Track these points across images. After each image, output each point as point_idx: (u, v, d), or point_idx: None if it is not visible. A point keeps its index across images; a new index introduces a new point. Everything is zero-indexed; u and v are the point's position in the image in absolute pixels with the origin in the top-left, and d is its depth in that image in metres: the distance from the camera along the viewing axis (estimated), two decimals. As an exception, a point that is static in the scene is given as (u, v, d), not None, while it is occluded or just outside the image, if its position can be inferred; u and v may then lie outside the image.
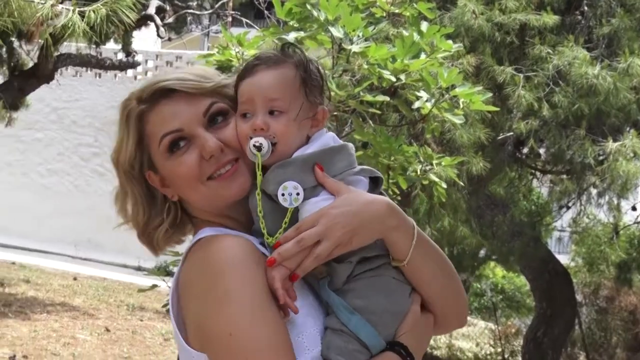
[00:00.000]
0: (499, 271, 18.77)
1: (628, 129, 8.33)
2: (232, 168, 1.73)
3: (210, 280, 1.60)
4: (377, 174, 1.78)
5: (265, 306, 1.59)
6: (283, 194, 1.66)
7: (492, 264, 15.99)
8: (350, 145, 1.79)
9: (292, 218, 1.68)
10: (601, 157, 7.94)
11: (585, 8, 8.60)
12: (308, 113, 1.74)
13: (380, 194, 1.78)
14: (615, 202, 9.73)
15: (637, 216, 10.23)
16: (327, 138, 1.77)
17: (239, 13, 14.70)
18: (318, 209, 1.65)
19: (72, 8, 6.97)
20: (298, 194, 1.66)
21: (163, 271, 5.03)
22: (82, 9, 6.95)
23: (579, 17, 8.64)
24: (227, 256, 1.61)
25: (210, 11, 13.72)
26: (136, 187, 1.78)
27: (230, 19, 15.52)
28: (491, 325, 14.61)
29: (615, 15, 8.27)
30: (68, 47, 10.30)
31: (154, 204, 1.80)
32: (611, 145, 7.88)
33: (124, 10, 6.90)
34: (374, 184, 1.78)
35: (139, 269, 13.76)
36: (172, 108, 1.74)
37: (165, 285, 5.00)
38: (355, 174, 1.73)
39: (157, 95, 1.75)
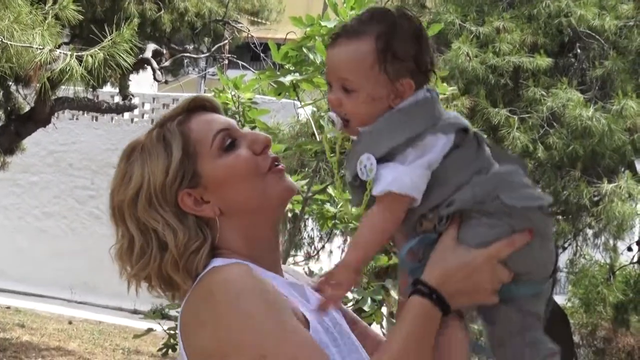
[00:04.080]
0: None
1: (623, 170, 8.37)
2: (281, 165, 1.75)
3: (224, 307, 1.55)
4: (463, 124, 1.66)
5: (292, 322, 1.56)
6: (361, 169, 1.62)
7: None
8: (431, 97, 1.67)
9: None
10: (596, 198, 7.97)
11: (578, 50, 8.69)
12: (385, 88, 1.64)
13: (476, 134, 1.68)
14: (611, 242, 9.74)
15: (633, 256, 10.23)
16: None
17: (235, 56, 14.80)
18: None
19: (69, 53, 7.03)
20: (372, 163, 1.61)
21: (159, 314, 5.02)
22: (79, 53, 7.02)
23: (572, 60, 8.73)
24: (237, 280, 1.57)
25: (206, 54, 13.81)
26: (167, 213, 1.67)
27: (226, 61, 15.61)
28: (489, 366, 14.52)
29: (608, 58, 8.36)
30: (65, 90, 10.34)
31: (188, 226, 1.68)
32: (606, 186, 7.91)
33: (121, 55, 6.96)
34: (464, 132, 1.66)
35: (134, 312, 13.68)
36: (209, 116, 1.76)
37: (161, 328, 4.99)
38: (435, 132, 1.62)
39: (191, 107, 1.77)
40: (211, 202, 1.69)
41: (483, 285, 1.59)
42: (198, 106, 1.77)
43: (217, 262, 1.65)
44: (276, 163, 1.74)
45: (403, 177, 1.59)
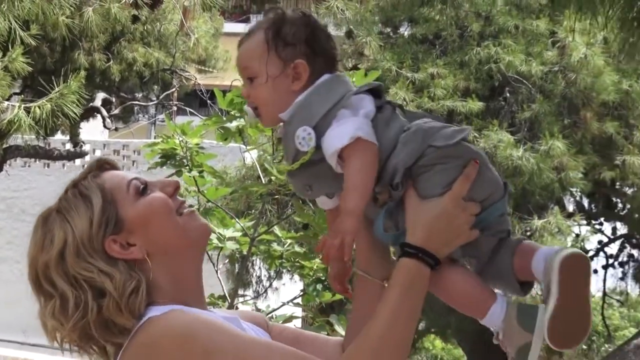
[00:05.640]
0: (438, 343, 19.04)
1: (552, 206, 8.75)
2: (192, 208, 1.81)
3: (179, 351, 1.57)
4: (374, 85, 1.78)
5: (247, 335, 1.67)
6: (300, 143, 1.70)
7: (432, 336, 16.22)
8: (342, 74, 1.83)
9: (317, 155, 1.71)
10: (528, 233, 8.30)
11: (508, 94, 9.09)
12: (280, 69, 1.76)
13: (388, 102, 1.78)
14: (544, 276, 10.08)
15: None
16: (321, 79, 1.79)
17: (183, 103, 15.04)
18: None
19: (17, 104, 7.17)
20: (309, 133, 1.70)
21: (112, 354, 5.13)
22: (27, 105, 7.13)
23: (502, 103, 9.13)
24: (179, 324, 1.60)
25: (155, 102, 14.04)
26: (98, 261, 1.69)
27: (175, 108, 15.83)
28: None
29: (535, 101, 8.80)
30: (16, 138, 10.46)
31: (120, 270, 1.69)
32: (537, 222, 8.28)
33: (68, 105, 7.07)
34: (376, 97, 1.76)
35: (87, 354, 13.68)
36: (115, 171, 1.83)
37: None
38: (354, 94, 1.73)
39: (101, 165, 1.83)
40: (137, 244, 1.72)
41: (461, 226, 1.67)
42: (101, 167, 1.82)
43: (152, 312, 1.67)
44: (185, 205, 1.80)
45: (362, 126, 1.67)
